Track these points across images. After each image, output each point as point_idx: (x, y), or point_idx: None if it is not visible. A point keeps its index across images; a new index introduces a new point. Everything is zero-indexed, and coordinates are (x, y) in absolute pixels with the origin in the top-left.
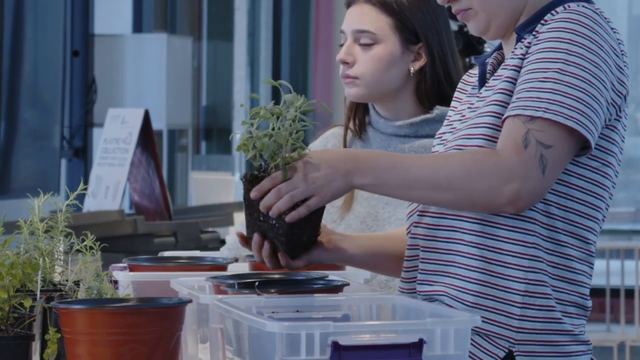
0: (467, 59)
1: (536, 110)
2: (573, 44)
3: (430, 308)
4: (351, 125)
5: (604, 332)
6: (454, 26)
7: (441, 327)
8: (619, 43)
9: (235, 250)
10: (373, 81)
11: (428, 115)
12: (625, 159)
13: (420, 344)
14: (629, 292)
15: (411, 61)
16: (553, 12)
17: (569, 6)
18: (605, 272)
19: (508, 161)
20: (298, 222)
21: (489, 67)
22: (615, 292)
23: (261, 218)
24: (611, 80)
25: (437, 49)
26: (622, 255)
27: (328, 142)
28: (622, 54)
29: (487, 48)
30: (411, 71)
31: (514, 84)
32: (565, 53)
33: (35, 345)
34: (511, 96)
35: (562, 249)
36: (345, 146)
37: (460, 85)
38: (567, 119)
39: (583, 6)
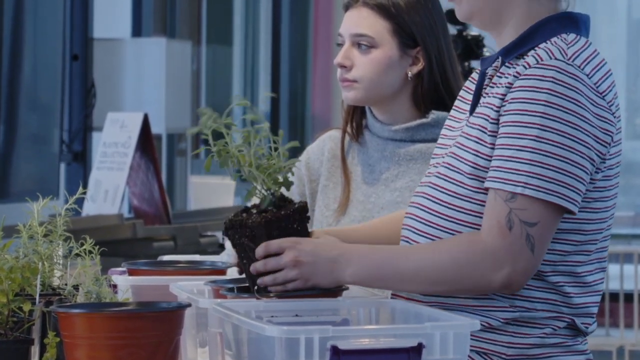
0: (466, 63)
1: (515, 186)
2: (549, 106)
3: (430, 312)
4: (348, 128)
5: (603, 336)
6: (452, 30)
7: (440, 332)
8: (598, 85)
9: (234, 255)
10: (371, 85)
11: (424, 120)
12: (625, 163)
13: (419, 348)
14: (628, 297)
15: (409, 65)
16: (530, 60)
17: (541, 59)
18: (605, 277)
19: (494, 247)
20: None
21: (486, 81)
22: (614, 296)
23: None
24: (594, 134)
25: (434, 53)
26: (621, 260)
27: (325, 145)
28: (604, 96)
29: (487, 52)
30: (409, 75)
31: (491, 122)
32: (541, 117)
33: (35, 350)
34: (486, 131)
35: (549, 278)
36: (342, 149)
37: (462, 92)
38: (547, 193)
39: (555, 58)
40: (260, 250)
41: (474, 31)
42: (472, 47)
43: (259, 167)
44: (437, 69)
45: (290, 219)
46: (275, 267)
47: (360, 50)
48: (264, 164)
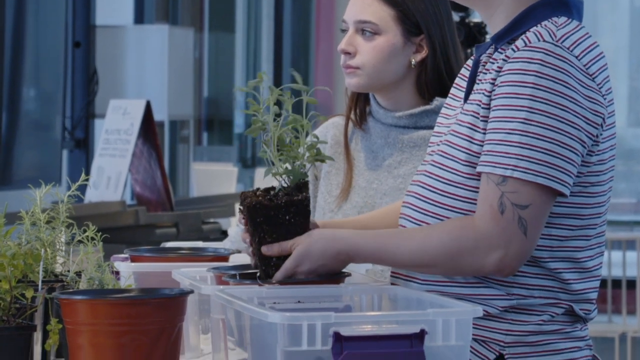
0: (469, 50)
1: (505, 169)
2: (536, 89)
3: (432, 299)
4: (352, 115)
5: (606, 322)
6: (455, 17)
7: (443, 318)
8: (588, 67)
9: (237, 242)
10: (374, 72)
11: (428, 107)
12: (626, 150)
13: (421, 334)
14: (631, 283)
15: (412, 53)
16: (519, 43)
17: (530, 41)
18: (607, 263)
19: (486, 231)
20: None
21: (480, 68)
22: (617, 283)
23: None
24: (584, 115)
25: (438, 41)
26: (624, 246)
27: (328, 131)
28: (594, 77)
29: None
30: (412, 63)
31: (483, 107)
32: (529, 99)
33: (37, 336)
34: (479, 117)
35: (547, 265)
36: (346, 136)
37: (457, 80)
38: (537, 175)
39: (544, 40)
40: (274, 249)
41: (476, 18)
42: (474, 34)
43: (281, 147)
44: (441, 56)
45: (282, 210)
46: (290, 268)
47: (364, 37)
48: (287, 146)
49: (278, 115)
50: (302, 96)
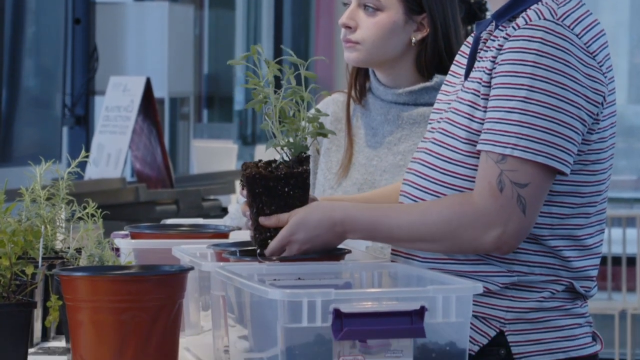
0: (469, 27)
1: (505, 147)
2: (537, 67)
3: (432, 276)
4: (352, 91)
5: (606, 300)
6: None
7: (443, 295)
8: (589, 45)
9: (237, 219)
10: (373, 48)
11: (427, 84)
12: (627, 127)
13: (422, 311)
14: (631, 260)
15: (413, 31)
16: (519, 21)
17: (530, 19)
18: (607, 240)
19: (485, 209)
20: None
21: (480, 45)
22: (617, 260)
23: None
24: (584, 94)
25: (440, 20)
26: (624, 224)
27: (328, 107)
28: (594, 55)
29: (488, 16)
30: (413, 41)
31: (483, 85)
32: (530, 78)
33: (37, 312)
34: (479, 95)
35: (547, 242)
36: (348, 111)
37: (457, 57)
38: (537, 154)
39: (544, 18)
40: (272, 220)
41: None
42: (475, 11)
43: (283, 119)
44: (442, 36)
45: (281, 181)
46: (284, 238)
47: (366, 12)
48: (289, 118)
49: (279, 87)
50: (300, 70)
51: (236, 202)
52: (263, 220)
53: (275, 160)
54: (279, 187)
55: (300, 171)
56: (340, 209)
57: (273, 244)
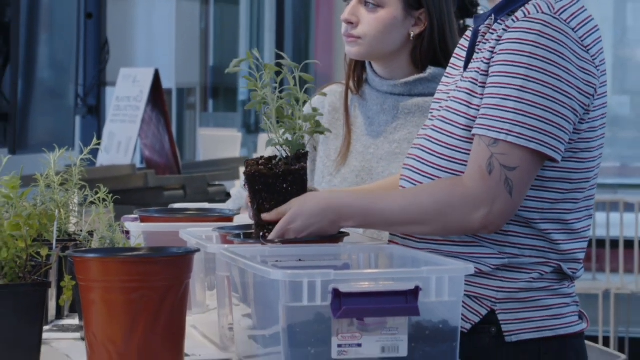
0: (462, 21)
1: (499, 133)
2: (533, 58)
3: (426, 257)
4: (350, 83)
5: (590, 280)
6: None
7: (436, 275)
8: (583, 39)
9: (239, 200)
10: (375, 42)
11: (422, 75)
12: (611, 116)
13: (416, 291)
14: (614, 243)
15: (412, 26)
16: (518, 14)
17: (529, 12)
18: (592, 224)
19: (474, 189)
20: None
21: (479, 38)
22: (600, 242)
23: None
24: (577, 85)
25: (437, 15)
26: (608, 208)
27: (325, 99)
28: (588, 49)
29: (481, 11)
30: (411, 35)
31: (482, 74)
32: (526, 68)
33: (52, 292)
34: (477, 83)
35: (538, 226)
36: (346, 101)
37: (457, 50)
38: (528, 140)
39: (542, 12)
40: (273, 215)
41: None
42: (467, 6)
43: (280, 119)
44: (438, 30)
45: (280, 178)
46: (284, 226)
47: (367, 8)
48: (287, 117)
49: (281, 90)
50: (295, 72)
51: (239, 185)
52: (265, 216)
53: (275, 157)
54: (277, 184)
55: (297, 168)
56: (335, 197)
57: (272, 235)
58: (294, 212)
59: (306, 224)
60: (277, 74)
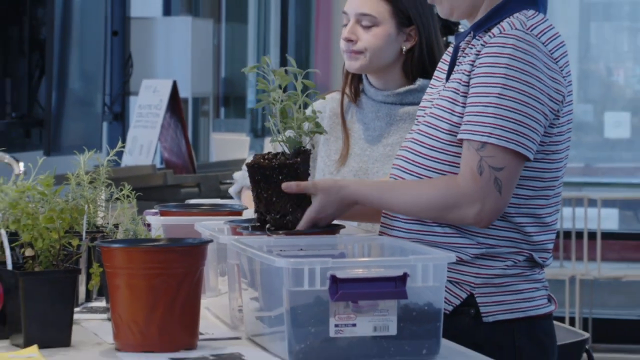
0: (444, 38)
1: (482, 135)
2: (510, 69)
3: (413, 247)
4: (348, 91)
5: (558, 267)
6: None
7: (422, 263)
8: (552, 52)
9: (241, 181)
10: (373, 56)
11: (412, 86)
12: (576, 122)
13: (404, 277)
14: (579, 234)
15: (403, 41)
16: (494, 31)
17: (504, 29)
18: (559, 218)
19: (467, 189)
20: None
21: (459, 53)
22: (567, 234)
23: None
24: (547, 93)
25: (425, 31)
26: (573, 204)
27: (327, 104)
28: (557, 61)
29: (461, 28)
30: (403, 49)
31: (463, 85)
32: (503, 78)
33: (82, 278)
34: (459, 93)
35: (513, 219)
36: (342, 109)
37: (440, 64)
38: (509, 142)
39: (516, 29)
40: (292, 186)
41: None
42: (449, 24)
43: (284, 119)
44: (426, 44)
45: (276, 170)
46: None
47: (363, 27)
48: (289, 117)
49: (284, 91)
50: (299, 78)
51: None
52: (285, 186)
53: (280, 152)
54: (273, 175)
55: (291, 162)
56: (353, 188)
57: (302, 224)
58: (321, 202)
59: (333, 213)
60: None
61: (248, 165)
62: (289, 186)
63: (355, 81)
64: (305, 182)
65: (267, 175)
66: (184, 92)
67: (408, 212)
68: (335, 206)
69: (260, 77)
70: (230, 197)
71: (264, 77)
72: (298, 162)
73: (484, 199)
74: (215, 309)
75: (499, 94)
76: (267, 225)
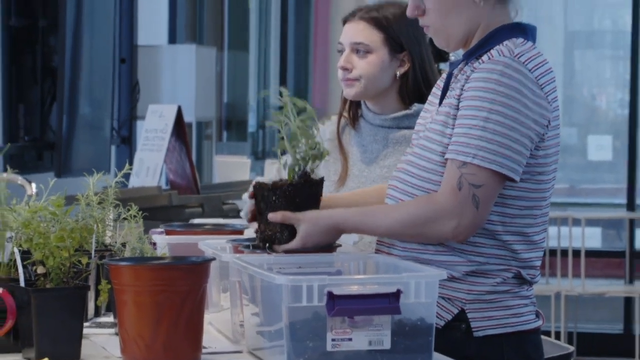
0: (436, 65)
1: (466, 156)
2: (496, 93)
3: (406, 265)
4: (346, 115)
5: (544, 284)
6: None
7: (415, 280)
8: (539, 79)
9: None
10: (368, 83)
11: (408, 111)
12: (561, 145)
13: (398, 293)
14: (564, 252)
15: (397, 66)
16: (484, 58)
17: (493, 56)
18: (545, 236)
19: (446, 204)
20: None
21: (452, 79)
22: (553, 252)
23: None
24: (532, 117)
25: (417, 57)
26: (559, 223)
27: (327, 127)
28: (542, 87)
29: (452, 56)
30: (397, 75)
31: (454, 109)
32: (490, 102)
33: (90, 294)
34: (450, 116)
35: (501, 237)
36: (338, 134)
37: (434, 90)
38: (491, 163)
39: (504, 56)
40: (278, 216)
41: None
42: (441, 52)
43: (293, 140)
44: (420, 69)
45: (270, 192)
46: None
47: (358, 55)
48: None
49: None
50: (295, 108)
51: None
52: (271, 216)
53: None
54: (269, 196)
55: (281, 184)
56: (335, 217)
57: (290, 249)
58: (307, 232)
59: (316, 241)
60: (282, 108)
61: (253, 186)
62: (274, 216)
63: (353, 107)
64: (289, 212)
65: (264, 195)
66: (189, 117)
67: (391, 231)
68: (321, 236)
69: (275, 106)
70: (233, 217)
71: (280, 107)
72: (288, 184)
73: (462, 214)
74: (218, 324)
75: (485, 117)
76: (267, 245)
